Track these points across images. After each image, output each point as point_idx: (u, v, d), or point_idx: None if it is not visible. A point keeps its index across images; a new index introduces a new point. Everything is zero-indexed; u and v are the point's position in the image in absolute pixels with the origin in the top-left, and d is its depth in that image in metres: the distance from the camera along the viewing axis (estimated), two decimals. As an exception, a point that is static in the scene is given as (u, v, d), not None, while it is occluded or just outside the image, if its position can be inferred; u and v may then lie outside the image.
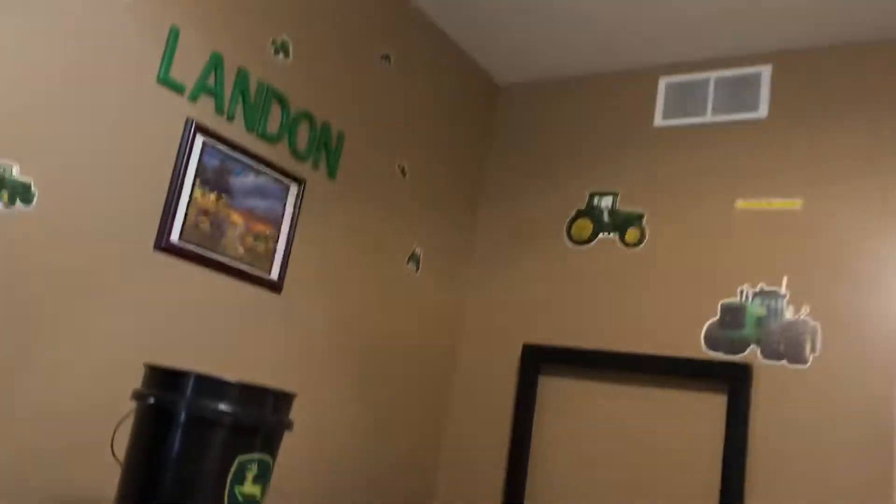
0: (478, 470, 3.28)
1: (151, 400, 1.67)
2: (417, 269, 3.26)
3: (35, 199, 1.94)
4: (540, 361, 3.24)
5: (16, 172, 1.90)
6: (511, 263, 3.50)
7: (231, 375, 1.91)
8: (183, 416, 1.64)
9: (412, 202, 3.24)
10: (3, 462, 1.87)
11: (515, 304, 3.42)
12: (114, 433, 1.75)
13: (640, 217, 3.23)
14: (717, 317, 2.93)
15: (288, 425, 1.80)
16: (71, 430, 2.01)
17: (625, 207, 3.28)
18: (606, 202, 3.33)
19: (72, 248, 2.02)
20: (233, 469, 1.66)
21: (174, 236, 2.24)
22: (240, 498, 1.66)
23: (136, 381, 2.12)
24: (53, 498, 1.96)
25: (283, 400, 1.81)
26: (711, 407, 2.86)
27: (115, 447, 1.85)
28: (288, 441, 2.58)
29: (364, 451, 2.99)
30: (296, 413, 2.60)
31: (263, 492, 1.73)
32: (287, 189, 2.61)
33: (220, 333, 2.40)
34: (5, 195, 1.88)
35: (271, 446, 1.77)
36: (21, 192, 1.91)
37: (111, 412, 2.05)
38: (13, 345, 1.89)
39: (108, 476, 2.04)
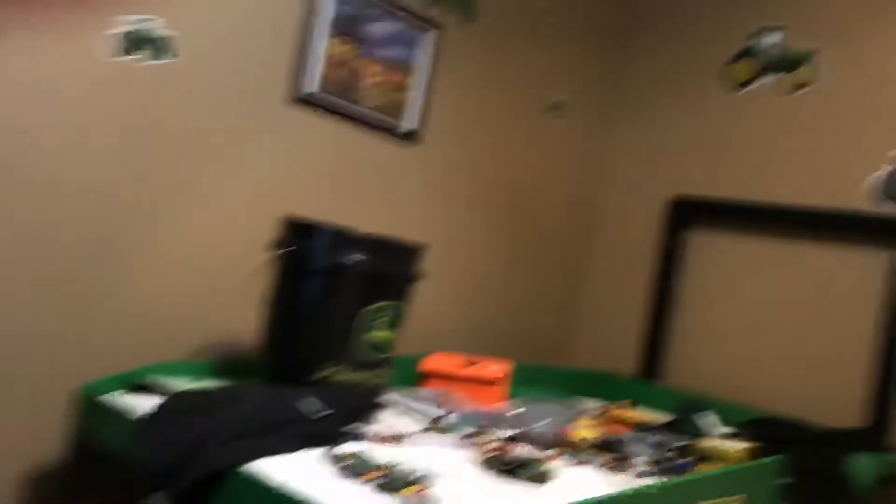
0: (617, 324, 3.26)
1: (286, 251, 1.75)
2: (561, 115, 3.14)
3: (173, 53, 2.00)
4: (688, 214, 3.10)
5: (157, 26, 1.95)
6: (663, 108, 3.29)
7: (366, 227, 1.96)
8: (316, 267, 1.71)
9: (556, 45, 3.08)
10: (149, 312, 2.04)
11: (665, 152, 3.25)
12: (251, 283, 1.85)
13: (810, 57, 2.91)
14: (889, 168, 2.65)
15: (417, 276, 1.84)
16: (211, 280, 2.15)
17: (793, 46, 2.96)
18: (772, 40, 3.01)
19: (208, 101, 2.09)
20: (364, 316, 1.73)
21: (309, 87, 2.26)
22: (371, 343, 1.74)
23: (272, 232, 2.22)
24: (200, 344, 2.14)
25: (412, 251, 1.85)
26: (874, 266, 2.65)
27: (252, 295, 1.96)
28: (425, 290, 2.65)
29: (501, 302, 3.03)
30: (432, 263, 2.66)
31: (394, 337, 1.80)
32: (423, 35, 2.54)
33: (356, 185, 2.45)
34: (147, 50, 1.94)
35: (401, 295, 1.82)
36: (161, 47, 1.97)
37: (248, 262, 2.17)
38: (153, 196, 2.02)
39: (248, 323, 2.19)
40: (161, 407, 1.54)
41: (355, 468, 1.40)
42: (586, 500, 1.31)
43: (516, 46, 2.91)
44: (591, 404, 2.53)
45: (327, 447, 1.51)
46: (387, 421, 1.80)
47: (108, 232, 1.95)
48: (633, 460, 1.83)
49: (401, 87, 2.50)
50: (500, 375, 2.22)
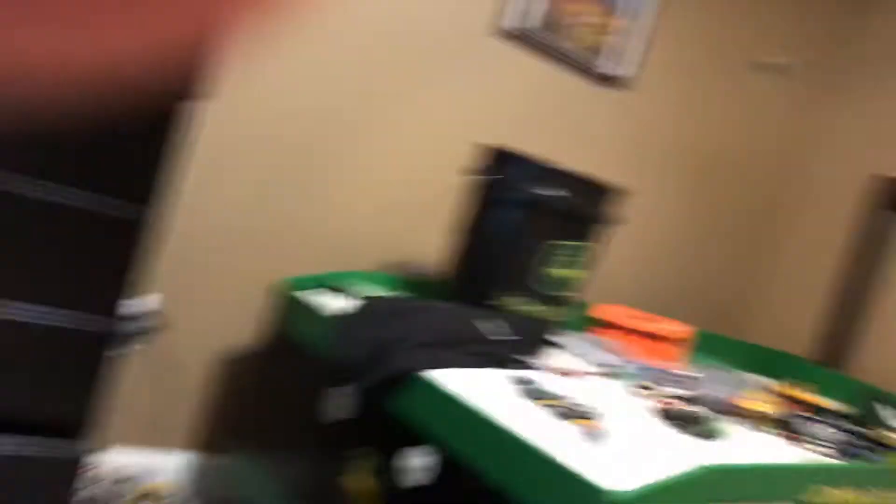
0: (803, 304, 3.08)
1: (487, 177, 1.79)
2: (777, 79, 2.96)
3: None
4: (899, 197, 2.86)
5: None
6: (892, 82, 3.01)
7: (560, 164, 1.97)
8: (513, 196, 1.73)
9: (784, 5, 2.89)
10: (343, 226, 2.16)
11: (886, 129, 2.98)
12: (442, 206, 1.90)
13: None
14: None
15: (609, 219, 1.82)
16: (404, 199, 2.24)
17: None
18: None
19: (414, 28, 2.14)
20: (551, 250, 1.74)
21: (517, 22, 2.26)
22: (553, 278, 1.75)
23: (465, 159, 2.27)
24: (387, 260, 2.24)
25: (611, 194, 1.83)
26: None
27: (442, 219, 2.02)
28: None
29: (683, 263, 2.95)
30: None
31: (580, 278, 1.81)
32: (640, -21, 2.47)
33: (553, 122, 2.45)
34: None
35: (593, 236, 1.81)
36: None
37: (441, 186, 2.24)
38: (362, 118, 2.12)
39: (433, 245, 2.26)
40: (357, 309, 1.63)
41: (532, 392, 1.43)
42: (780, 463, 1.28)
43: (743, 4, 2.77)
44: (766, 381, 2.43)
45: (502, 369, 1.55)
46: (558, 357, 1.82)
47: (321, 145, 2.07)
48: (810, 440, 1.75)
49: (608, 30, 2.45)
50: (682, 336, 2.18)
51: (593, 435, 1.30)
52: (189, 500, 2.00)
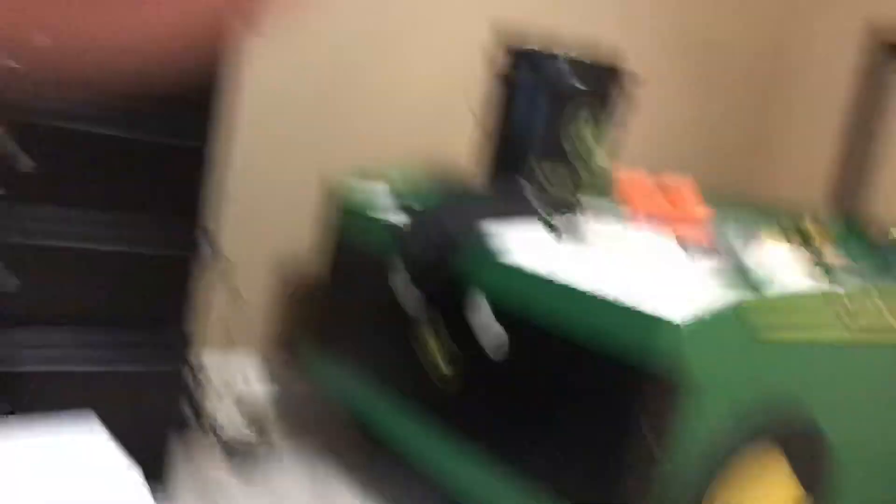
0: (802, 170, 3.16)
1: (504, 71, 1.93)
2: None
3: None
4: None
5: None
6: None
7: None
8: (531, 84, 1.88)
9: None
10: (376, 126, 2.32)
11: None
12: (468, 105, 2.03)
13: None
14: None
15: (623, 98, 1.96)
16: (435, 98, 2.40)
17: None
18: None
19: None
20: (569, 130, 1.89)
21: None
22: (576, 153, 1.91)
23: (490, 60, 2.37)
24: (422, 155, 2.40)
25: (618, 74, 1.97)
26: None
27: (469, 115, 2.16)
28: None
29: (697, 124, 3.09)
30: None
31: (602, 149, 1.95)
32: None
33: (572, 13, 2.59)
34: None
35: (608, 113, 1.96)
36: None
37: (468, 83, 2.38)
38: (395, 28, 2.24)
39: (464, 137, 2.42)
40: (411, 215, 1.79)
41: (575, 237, 1.59)
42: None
43: None
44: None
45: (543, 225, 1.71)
46: (589, 218, 1.97)
47: (365, 64, 2.23)
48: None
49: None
50: (700, 217, 2.29)
51: (640, 274, 1.45)
52: (273, 398, 2.20)
